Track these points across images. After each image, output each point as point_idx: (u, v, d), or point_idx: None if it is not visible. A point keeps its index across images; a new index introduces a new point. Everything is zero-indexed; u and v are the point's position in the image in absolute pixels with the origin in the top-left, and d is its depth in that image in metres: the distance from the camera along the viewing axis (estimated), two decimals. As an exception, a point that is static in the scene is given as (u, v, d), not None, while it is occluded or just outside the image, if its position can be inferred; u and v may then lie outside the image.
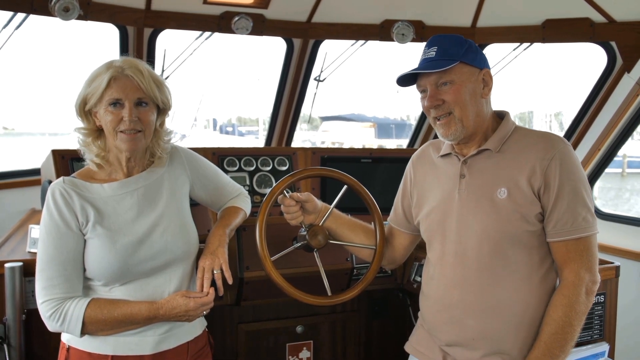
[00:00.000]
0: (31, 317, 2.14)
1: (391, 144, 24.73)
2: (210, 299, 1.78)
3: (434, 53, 1.75)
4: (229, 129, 35.07)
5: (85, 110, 1.73)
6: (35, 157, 2.72)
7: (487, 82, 1.78)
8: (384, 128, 26.57)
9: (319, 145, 26.66)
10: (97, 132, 1.75)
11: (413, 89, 1.85)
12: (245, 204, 2.10)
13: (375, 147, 24.09)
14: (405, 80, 1.81)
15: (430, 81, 1.74)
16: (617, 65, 3.34)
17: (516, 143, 1.76)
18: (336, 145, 25.37)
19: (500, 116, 1.85)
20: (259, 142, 27.15)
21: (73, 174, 1.80)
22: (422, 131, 4.25)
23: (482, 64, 1.77)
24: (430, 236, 1.88)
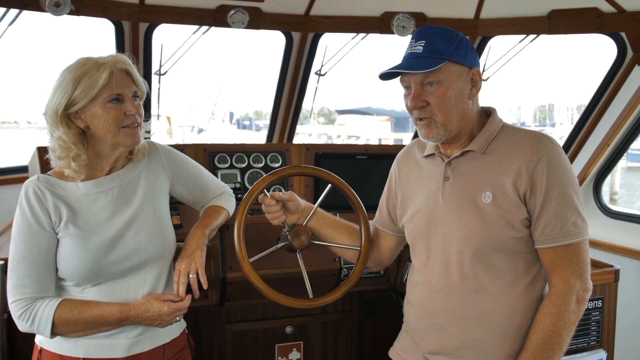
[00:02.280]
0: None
1: (408, 137, 24.53)
2: (186, 304, 1.74)
3: (421, 48, 1.63)
4: (246, 122, 35.20)
5: (66, 114, 1.65)
6: (28, 152, 2.70)
7: (475, 82, 1.67)
8: (400, 122, 26.33)
9: (335, 139, 26.54)
10: (78, 136, 1.68)
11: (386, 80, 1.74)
12: (228, 203, 2.05)
13: (392, 140, 23.96)
14: (388, 73, 1.70)
15: (415, 79, 1.63)
16: (628, 57, 3.19)
17: (502, 144, 1.66)
18: (352, 139, 25.26)
19: (488, 113, 1.75)
20: (260, 134, 27.14)
21: (49, 172, 1.76)
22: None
23: (472, 62, 1.65)
24: (414, 241, 1.80)
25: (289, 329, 2.55)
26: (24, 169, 3.25)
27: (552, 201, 1.57)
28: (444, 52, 1.61)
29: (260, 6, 3.34)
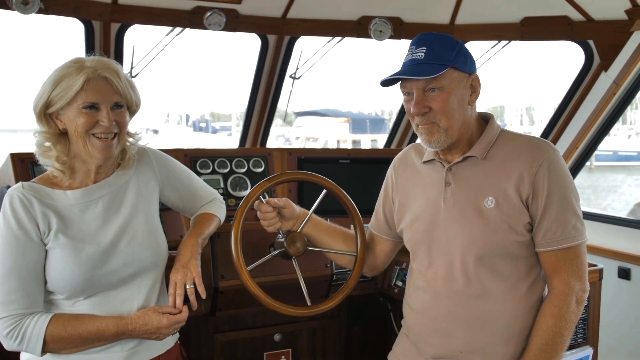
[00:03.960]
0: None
1: (366, 138, 24.75)
2: (184, 316, 1.68)
3: (423, 54, 1.63)
4: (202, 124, 34.63)
5: (46, 112, 1.59)
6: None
7: (475, 88, 1.69)
8: (358, 123, 26.54)
9: (293, 141, 26.51)
10: (58, 137, 1.61)
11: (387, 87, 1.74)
12: (219, 210, 2.00)
13: (350, 142, 24.15)
14: (388, 79, 1.70)
15: (417, 85, 1.64)
16: (595, 63, 3.32)
17: (502, 149, 1.69)
18: (311, 141, 25.29)
19: (485, 119, 1.77)
20: (233, 138, 26.86)
21: (33, 180, 1.66)
22: (399, 130, 4.19)
23: (471, 68, 1.68)
24: (415, 246, 1.80)
25: (277, 337, 2.52)
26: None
27: (554, 205, 1.61)
28: (446, 59, 1.63)
29: (237, 8, 3.28)
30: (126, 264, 1.65)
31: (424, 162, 1.82)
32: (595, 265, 2.22)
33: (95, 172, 1.66)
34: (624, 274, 3.21)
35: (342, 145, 23.39)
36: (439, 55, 1.63)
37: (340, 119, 27.18)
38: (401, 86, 1.70)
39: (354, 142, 24.47)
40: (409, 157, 1.91)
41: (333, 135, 25.37)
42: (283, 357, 2.54)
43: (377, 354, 2.79)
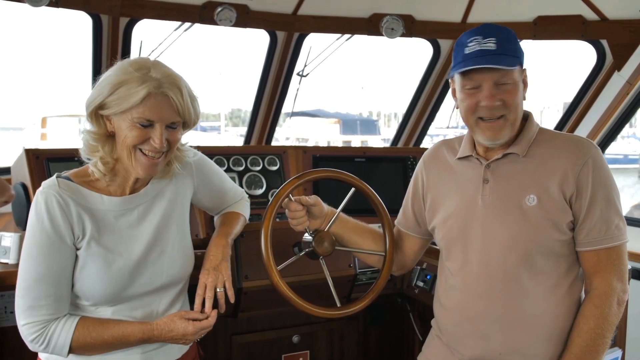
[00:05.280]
0: (3, 336, 1.93)
1: (356, 139, 24.74)
2: (211, 322, 1.62)
3: (494, 45, 1.57)
4: (191, 124, 34.28)
5: (97, 112, 1.50)
6: (2, 153, 2.45)
7: (526, 83, 1.66)
8: (348, 124, 26.51)
9: (283, 141, 26.38)
10: (106, 137, 1.53)
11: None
12: (245, 210, 1.96)
13: (340, 143, 24.10)
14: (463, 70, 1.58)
15: (491, 77, 1.57)
16: (607, 63, 3.32)
17: (543, 147, 1.66)
18: (301, 142, 25.21)
19: (524, 116, 1.74)
20: (222, 137, 26.62)
21: (67, 174, 1.56)
22: (406, 130, 4.15)
23: (523, 63, 1.65)
24: (449, 244, 1.76)
25: (295, 338, 2.47)
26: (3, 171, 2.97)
27: (597, 204, 1.58)
28: (517, 51, 1.60)
29: (248, 4, 3.23)
30: (154, 278, 1.61)
31: (459, 159, 1.78)
32: (624, 266, 2.20)
33: (134, 181, 1.59)
34: (638, 275, 3.19)
35: (349, 146, 23.45)
36: (510, 48, 1.58)
37: (330, 119, 27.14)
38: (466, 78, 1.61)
39: (345, 143, 24.42)
40: (440, 154, 1.87)
41: (323, 136, 25.32)
42: (301, 358, 2.49)
43: (396, 355, 2.76)
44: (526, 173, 1.65)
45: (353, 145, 23.81)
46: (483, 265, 1.67)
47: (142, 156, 1.51)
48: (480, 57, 1.57)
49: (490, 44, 1.57)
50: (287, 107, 4.21)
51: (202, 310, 1.63)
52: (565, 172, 1.60)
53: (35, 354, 1.60)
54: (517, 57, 1.59)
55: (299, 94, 4.04)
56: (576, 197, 1.59)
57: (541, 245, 1.61)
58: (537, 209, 1.60)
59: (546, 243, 1.61)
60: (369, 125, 27.24)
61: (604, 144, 3.54)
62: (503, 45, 1.57)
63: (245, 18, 3.26)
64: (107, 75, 1.49)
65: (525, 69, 1.66)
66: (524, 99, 1.67)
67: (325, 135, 25.87)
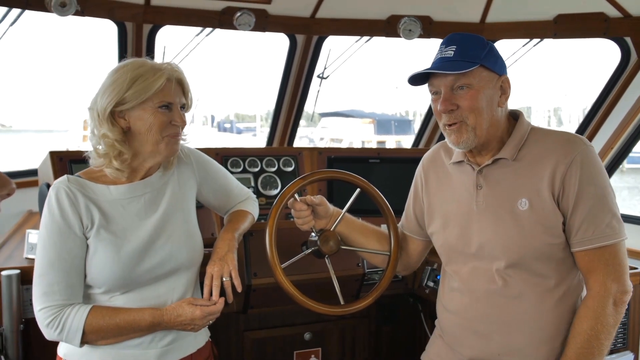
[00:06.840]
0: (29, 326, 2.05)
1: (391, 140, 24.61)
2: (219, 308, 1.69)
3: (452, 52, 1.62)
4: (227, 125, 34.94)
5: (113, 113, 1.61)
6: (32, 156, 2.61)
7: (505, 90, 1.66)
8: (383, 124, 26.40)
9: (317, 142, 26.51)
10: (124, 136, 1.64)
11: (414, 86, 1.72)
12: (253, 208, 2.02)
13: (374, 143, 24.03)
14: (416, 78, 1.68)
15: (445, 83, 1.62)
16: (632, 61, 3.23)
17: (533, 148, 1.64)
18: (335, 142, 25.27)
19: (515, 117, 1.73)
20: (257, 139, 27.00)
21: (77, 173, 1.69)
22: (427, 130, 4.15)
23: (502, 69, 1.65)
24: (448, 250, 1.78)
25: (307, 335, 2.52)
26: (30, 173, 3.14)
27: (585, 202, 1.56)
28: (476, 57, 1.61)
29: (266, 8, 3.30)
30: (163, 262, 1.68)
31: (453, 163, 1.79)
32: (635, 268, 2.15)
33: (147, 170, 1.70)
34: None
35: (367, 147, 23.34)
36: (469, 53, 1.61)
37: (364, 119, 27.09)
38: (429, 85, 1.68)
39: (379, 143, 24.32)
40: (438, 157, 1.88)
41: (358, 137, 25.30)
42: (313, 356, 2.54)
43: (407, 354, 2.77)
44: (517, 177, 1.64)
45: (387, 145, 23.71)
46: (482, 270, 1.68)
47: (168, 138, 1.66)
48: (437, 64, 1.63)
49: (449, 52, 1.62)
50: (308, 109, 4.28)
51: (210, 299, 1.71)
52: (554, 172, 1.58)
53: (57, 343, 1.70)
54: (474, 62, 1.58)
55: (323, 95, 4.10)
56: (562, 195, 1.57)
57: (535, 249, 1.60)
58: (529, 213, 1.60)
59: (540, 247, 1.60)
60: (403, 125, 27.04)
61: (630, 142, 3.45)
62: (463, 52, 1.60)
63: (264, 22, 3.33)
64: (115, 78, 1.61)
65: (503, 76, 1.66)
66: (501, 105, 1.65)
67: (360, 135, 25.84)
